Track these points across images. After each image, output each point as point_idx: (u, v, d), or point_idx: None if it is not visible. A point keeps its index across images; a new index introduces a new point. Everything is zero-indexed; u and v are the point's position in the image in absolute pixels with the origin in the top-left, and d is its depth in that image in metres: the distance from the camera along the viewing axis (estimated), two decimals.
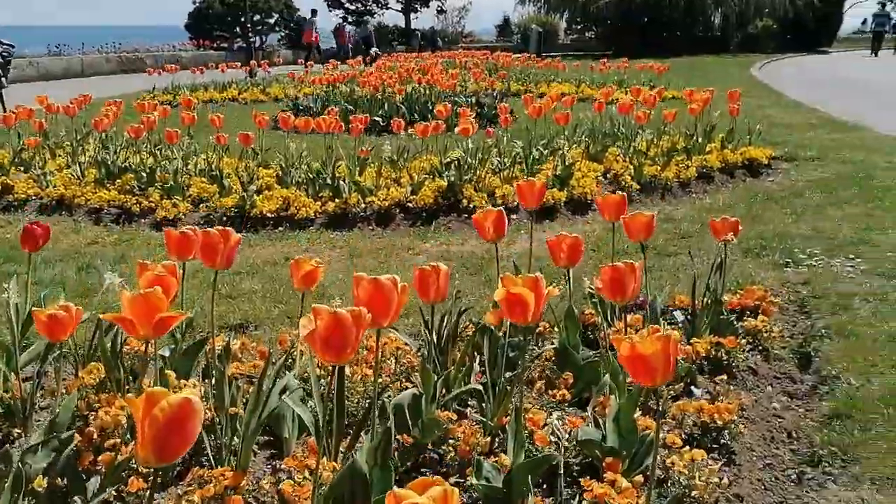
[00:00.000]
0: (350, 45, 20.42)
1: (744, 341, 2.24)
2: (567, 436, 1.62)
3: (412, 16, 29.52)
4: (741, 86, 11.85)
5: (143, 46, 20.53)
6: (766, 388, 2.14)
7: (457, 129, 4.36)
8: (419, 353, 2.04)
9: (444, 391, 1.85)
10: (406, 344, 2.05)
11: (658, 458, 1.56)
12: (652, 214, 2.17)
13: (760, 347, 2.33)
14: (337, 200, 4.20)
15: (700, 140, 5.15)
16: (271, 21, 23.95)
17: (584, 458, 1.67)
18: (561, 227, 4.04)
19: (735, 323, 2.33)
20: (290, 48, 22.92)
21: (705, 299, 2.32)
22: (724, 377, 2.09)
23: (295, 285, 1.97)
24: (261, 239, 3.89)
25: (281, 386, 1.58)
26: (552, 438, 1.62)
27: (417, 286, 1.62)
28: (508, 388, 1.75)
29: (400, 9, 29.58)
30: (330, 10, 29.90)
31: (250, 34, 20.15)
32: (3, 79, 8.19)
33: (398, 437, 1.62)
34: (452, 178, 4.35)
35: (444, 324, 2.01)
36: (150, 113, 5.09)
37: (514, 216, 4.20)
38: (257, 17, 22.93)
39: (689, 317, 2.36)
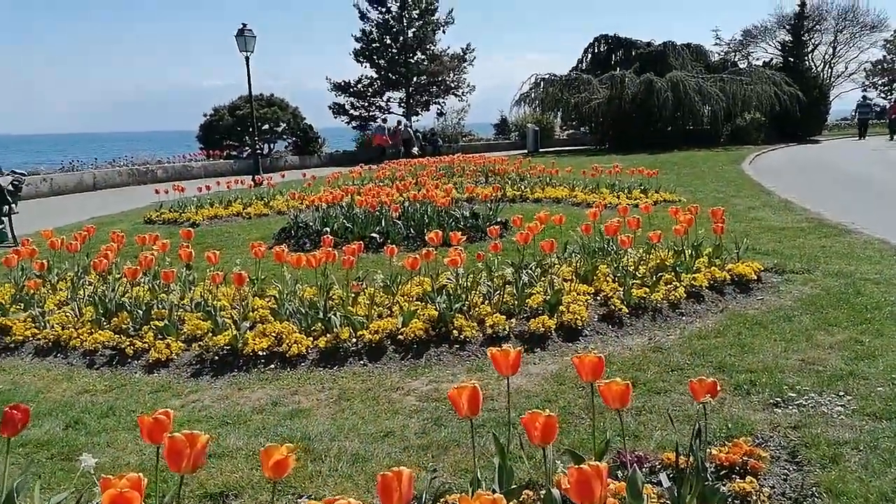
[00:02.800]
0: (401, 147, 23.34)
1: None
2: None
3: (412, 119, 30.71)
4: (731, 185, 12.19)
5: (153, 159, 21.32)
6: None
7: (446, 260, 4.45)
8: None
9: None
10: None
11: None
12: (627, 384, 2.18)
13: None
14: (328, 336, 4.23)
15: (688, 257, 5.23)
16: (279, 130, 24.91)
17: None
18: (552, 357, 4.04)
19: (722, 486, 2.29)
20: (296, 154, 23.75)
21: (691, 459, 2.29)
22: None
23: (266, 474, 1.96)
24: (251, 380, 3.89)
25: None
26: None
27: (381, 494, 1.61)
28: None
29: (402, 113, 30.83)
30: (336, 117, 31.21)
31: (258, 143, 20.97)
32: (13, 205, 8.49)
33: None
34: (443, 308, 4.40)
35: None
36: (150, 246, 5.23)
37: (506, 344, 4.20)
38: (266, 126, 23.88)
39: (673, 481, 2.31)
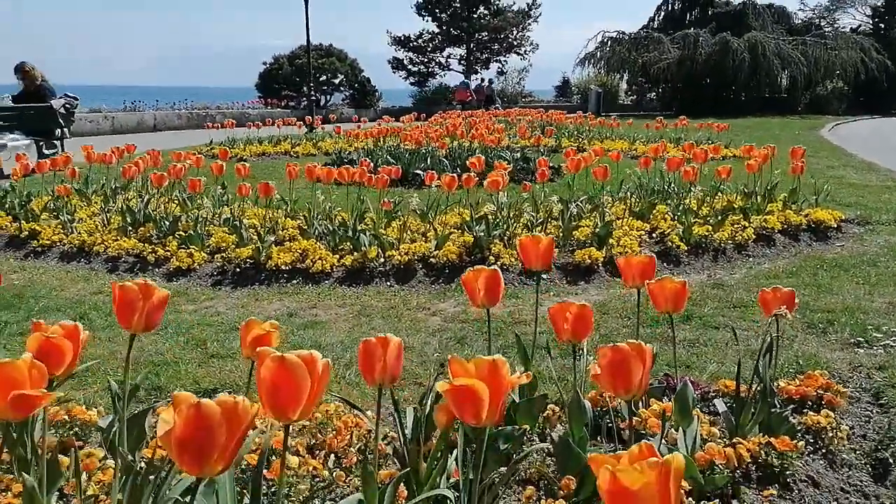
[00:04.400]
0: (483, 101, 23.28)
1: (802, 442, 1.79)
2: None
3: (472, 77, 30.03)
4: (808, 147, 11.26)
5: (213, 104, 21.50)
6: None
7: (486, 182, 4.08)
8: (388, 443, 1.69)
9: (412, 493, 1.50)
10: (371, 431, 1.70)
11: None
12: (683, 282, 1.80)
13: (824, 450, 1.87)
14: (355, 254, 3.95)
15: (759, 199, 4.69)
16: (336, 81, 24.73)
17: None
18: (597, 290, 3.65)
19: (791, 418, 1.89)
20: (353, 107, 23.56)
21: (755, 387, 1.90)
22: (776, 490, 1.65)
23: (244, 353, 1.69)
24: (271, 293, 3.66)
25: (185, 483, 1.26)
26: None
27: (361, 363, 1.29)
28: (487, 491, 1.38)
29: (461, 70, 30.16)
30: (394, 72, 30.80)
31: (314, 94, 20.82)
32: (66, 129, 8.52)
33: None
34: (481, 234, 4.05)
35: (423, 405, 1.67)
36: (184, 162, 5.05)
37: (545, 276, 3.85)
38: (323, 77, 23.73)
39: (732, 404, 1.92)
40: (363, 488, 1.29)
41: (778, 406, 1.89)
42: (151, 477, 1.27)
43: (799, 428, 1.90)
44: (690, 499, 1.54)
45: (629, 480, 0.80)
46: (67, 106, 8.43)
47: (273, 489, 1.52)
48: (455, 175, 4.23)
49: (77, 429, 1.94)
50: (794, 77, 23.70)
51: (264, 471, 1.54)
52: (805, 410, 2.03)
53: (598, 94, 25.55)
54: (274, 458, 1.63)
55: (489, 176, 4.14)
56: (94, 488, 1.48)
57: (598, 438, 1.88)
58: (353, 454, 1.70)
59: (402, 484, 1.50)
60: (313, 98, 19.44)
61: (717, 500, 1.56)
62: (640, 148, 9.64)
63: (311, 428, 1.94)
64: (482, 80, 25.08)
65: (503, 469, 1.44)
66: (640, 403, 1.95)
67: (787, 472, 1.73)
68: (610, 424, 1.97)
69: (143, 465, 1.47)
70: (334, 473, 1.59)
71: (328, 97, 24.46)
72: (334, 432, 1.82)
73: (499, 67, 30.64)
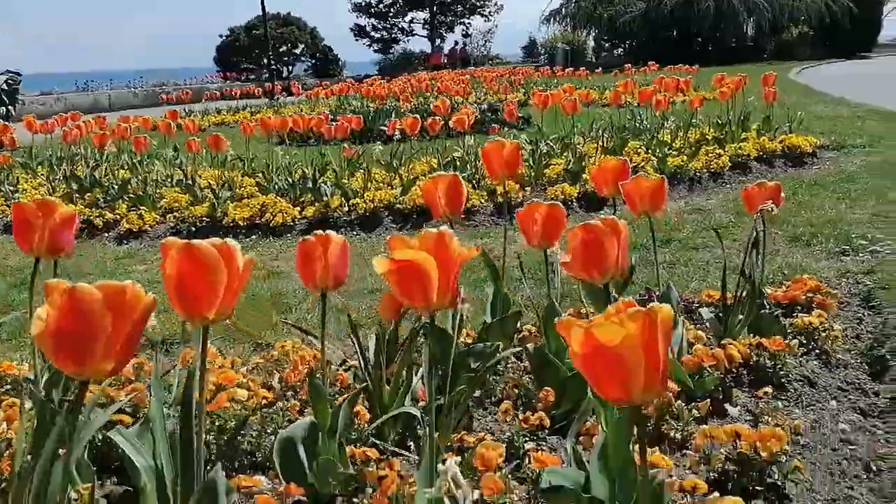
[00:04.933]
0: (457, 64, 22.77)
1: (795, 341, 1.67)
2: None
3: (436, 42, 29.49)
4: (778, 87, 11.19)
5: (170, 81, 20.79)
6: (829, 404, 1.56)
7: (452, 120, 3.89)
8: (346, 368, 1.53)
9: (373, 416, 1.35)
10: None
11: None
12: (661, 178, 1.65)
13: (817, 351, 1.75)
14: (317, 204, 3.75)
15: (734, 128, 4.57)
16: (297, 52, 24.09)
17: None
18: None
19: (781, 319, 1.76)
20: (316, 77, 23.00)
21: (742, 292, 1.76)
22: (770, 390, 1.52)
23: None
24: None
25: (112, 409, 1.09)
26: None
27: (299, 265, 1.12)
28: (453, 410, 1.23)
29: (426, 34, 29.60)
30: (357, 40, 30.10)
31: (274, 64, 20.24)
32: (10, 108, 8.09)
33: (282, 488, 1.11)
34: None
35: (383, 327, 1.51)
36: (130, 124, 4.76)
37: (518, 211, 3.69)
38: (283, 47, 23.08)
39: (719, 314, 1.79)
40: (313, 405, 1.12)
41: (767, 308, 1.76)
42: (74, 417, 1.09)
43: (790, 330, 1.78)
44: (680, 401, 1.40)
45: (607, 336, 0.65)
46: (10, 82, 8.01)
47: (219, 424, 1.36)
48: (417, 117, 4.02)
49: (8, 385, 1.77)
50: (760, 24, 23.60)
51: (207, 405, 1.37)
52: (795, 315, 1.91)
53: (566, 51, 25.23)
54: (221, 394, 1.46)
55: (454, 116, 3.94)
56: (11, 433, 1.31)
57: None
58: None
59: (362, 406, 1.34)
60: (273, 67, 18.91)
61: (708, 401, 1.43)
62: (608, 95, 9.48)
63: (266, 365, 1.77)
64: (455, 42, 24.61)
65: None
66: None
67: (781, 373, 1.61)
68: None
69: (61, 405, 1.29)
70: (289, 404, 1.43)
71: (290, 68, 23.84)
72: (290, 367, 1.66)
73: (463, 30, 30.13)
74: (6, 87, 7.85)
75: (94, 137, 4.18)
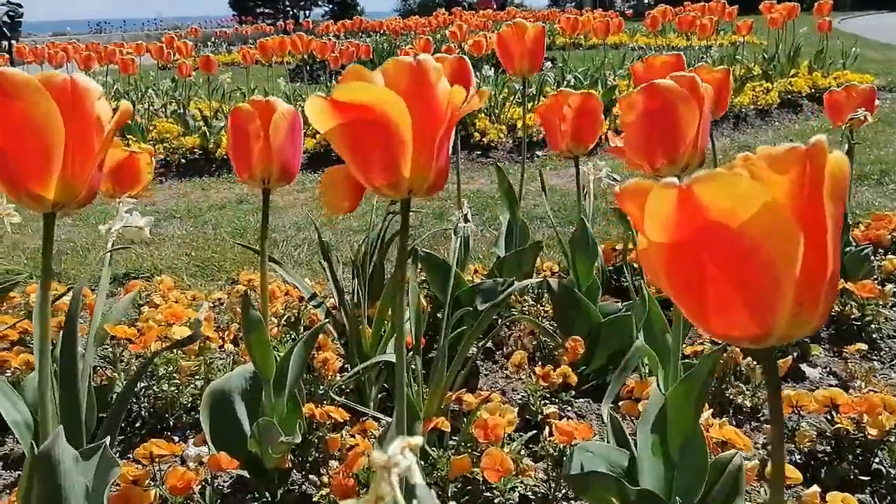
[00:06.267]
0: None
1: (889, 288, 1.32)
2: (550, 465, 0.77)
3: None
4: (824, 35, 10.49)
5: (186, 25, 20.28)
6: None
7: (466, 46, 3.49)
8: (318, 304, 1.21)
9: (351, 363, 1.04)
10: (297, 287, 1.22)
11: None
12: (726, 70, 1.28)
13: None
14: (318, 136, 3.40)
15: (782, 61, 4.10)
16: None
17: None
18: (603, 163, 3.13)
19: (871, 258, 1.41)
20: (334, 22, 22.33)
21: None
22: (863, 346, 1.19)
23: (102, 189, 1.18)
24: (219, 182, 3.16)
25: None
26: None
27: (230, 147, 0.79)
28: (445, 359, 0.91)
29: None
30: None
31: (291, 9, 19.64)
32: (12, 40, 7.77)
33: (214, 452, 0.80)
34: None
35: (364, 252, 1.19)
36: (124, 49, 4.41)
37: (539, 152, 3.34)
38: None
39: None
40: (247, 345, 0.81)
41: (853, 245, 1.41)
42: None
43: (876, 275, 1.43)
44: (748, 358, 1.07)
45: (730, 203, 0.31)
46: (11, 13, 7.65)
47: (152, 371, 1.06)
48: (430, 39, 3.62)
49: None
50: None
51: (130, 344, 1.07)
52: (879, 258, 1.56)
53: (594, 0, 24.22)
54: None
55: (470, 39, 3.54)
56: None
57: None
58: (274, 327, 1.23)
59: (330, 353, 1.03)
60: (290, 12, 18.32)
61: (790, 359, 1.10)
62: (641, 40, 8.89)
63: (231, 302, 1.47)
64: None
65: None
66: None
67: (872, 327, 1.27)
68: (626, 283, 1.50)
69: None
70: (241, 347, 1.13)
71: (307, 13, 23.13)
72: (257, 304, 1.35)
73: None
74: (8, 20, 7.50)
75: (79, 59, 3.85)
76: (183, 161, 3.38)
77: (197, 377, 1.07)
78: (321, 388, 1.00)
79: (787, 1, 4.23)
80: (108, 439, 0.68)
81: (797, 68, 4.28)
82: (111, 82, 4.41)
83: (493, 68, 4.12)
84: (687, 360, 0.84)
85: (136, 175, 1.15)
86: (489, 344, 1.27)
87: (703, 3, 4.59)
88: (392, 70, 0.51)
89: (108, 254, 0.90)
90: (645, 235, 0.33)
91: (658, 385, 0.75)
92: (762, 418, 1.06)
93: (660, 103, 0.69)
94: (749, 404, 1.04)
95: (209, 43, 10.42)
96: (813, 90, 3.92)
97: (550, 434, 0.84)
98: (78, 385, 0.74)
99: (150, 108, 4.00)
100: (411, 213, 1.89)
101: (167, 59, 4.23)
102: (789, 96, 3.81)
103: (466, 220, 1.06)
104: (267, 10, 22.48)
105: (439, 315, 1.16)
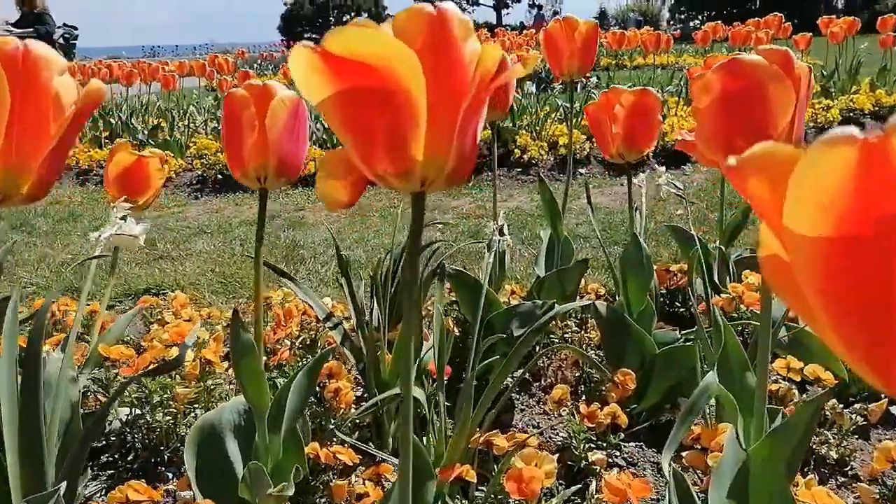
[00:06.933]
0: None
1: None
2: None
3: (503, 12, 28.65)
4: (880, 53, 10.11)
5: (234, 48, 20.86)
6: None
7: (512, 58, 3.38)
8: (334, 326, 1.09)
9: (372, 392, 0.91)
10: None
11: None
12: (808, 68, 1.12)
13: None
14: None
15: (843, 78, 3.88)
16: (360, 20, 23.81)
17: None
18: (663, 169, 2.97)
19: None
20: None
21: None
22: None
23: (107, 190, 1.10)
24: (253, 198, 3.10)
25: None
26: None
27: (224, 140, 0.69)
28: (472, 392, 0.77)
29: (492, 4, 28.77)
30: None
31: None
32: (69, 61, 8.02)
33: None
34: (506, 125, 3.40)
35: (387, 270, 1.07)
36: (168, 68, 4.46)
37: (582, 170, 3.20)
38: (346, 17, 22.80)
39: None
40: (236, 374, 0.69)
41: None
42: None
43: None
44: (833, 400, 0.91)
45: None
46: (66, 36, 7.91)
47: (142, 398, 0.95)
48: None
49: None
50: None
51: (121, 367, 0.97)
52: None
53: (638, 21, 23.96)
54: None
55: (515, 53, 3.44)
56: None
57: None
58: (286, 350, 1.12)
59: (344, 382, 0.91)
60: None
61: (885, 402, 0.93)
62: (689, 59, 8.68)
63: (247, 320, 1.36)
64: (539, 9, 24.11)
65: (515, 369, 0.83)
66: (728, 272, 1.31)
67: None
68: (682, 310, 1.35)
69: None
70: None
71: None
72: (272, 322, 1.25)
73: (530, 1, 29.14)
74: (63, 42, 7.76)
75: (122, 75, 3.89)
76: (220, 177, 3.35)
77: (196, 406, 0.96)
78: (332, 421, 0.87)
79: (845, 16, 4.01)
80: (63, 486, 0.56)
81: (858, 85, 4.05)
82: (154, 99, 4.46)
83: (534, 85, 4.02)
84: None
85: (144, 181, 1.06)
86: (525, 374, 1.13)
87: (757, 20, 4.41)
88: (404, 21, 0.38)
89: (93, 264, 0.80)
90: (784, 227, 0.20)
91: (737, 436, 0.60)
92: (850, 472, 0.89)
93: (744, 83, 0.55)
94: (835, 456, 0.88)
95: (255, 65, 10.62)
96: (876, 108, 3.68)
97: (598, 489, 0.69)
98: (40, 415, 0.63)
99: (192, 124, 4.01)
100: (441, 228, 1.76)
101: (210, 76, 4.25)
102: (851, 114, 3.59)
103: (502, 234, 0.94)
104: (315, 36, 22.99)
105: (470, 339, 1.04)
